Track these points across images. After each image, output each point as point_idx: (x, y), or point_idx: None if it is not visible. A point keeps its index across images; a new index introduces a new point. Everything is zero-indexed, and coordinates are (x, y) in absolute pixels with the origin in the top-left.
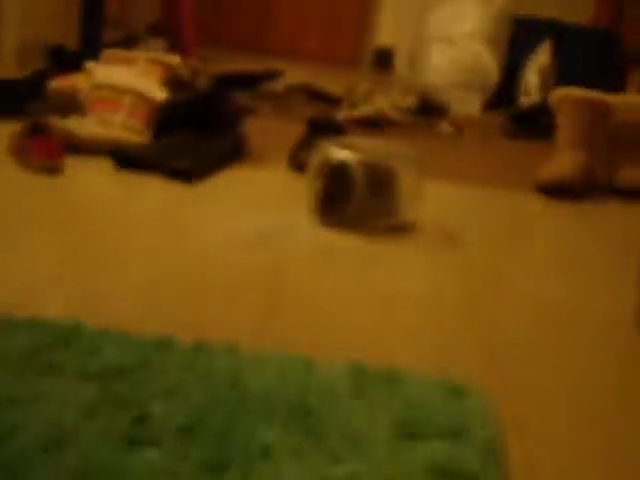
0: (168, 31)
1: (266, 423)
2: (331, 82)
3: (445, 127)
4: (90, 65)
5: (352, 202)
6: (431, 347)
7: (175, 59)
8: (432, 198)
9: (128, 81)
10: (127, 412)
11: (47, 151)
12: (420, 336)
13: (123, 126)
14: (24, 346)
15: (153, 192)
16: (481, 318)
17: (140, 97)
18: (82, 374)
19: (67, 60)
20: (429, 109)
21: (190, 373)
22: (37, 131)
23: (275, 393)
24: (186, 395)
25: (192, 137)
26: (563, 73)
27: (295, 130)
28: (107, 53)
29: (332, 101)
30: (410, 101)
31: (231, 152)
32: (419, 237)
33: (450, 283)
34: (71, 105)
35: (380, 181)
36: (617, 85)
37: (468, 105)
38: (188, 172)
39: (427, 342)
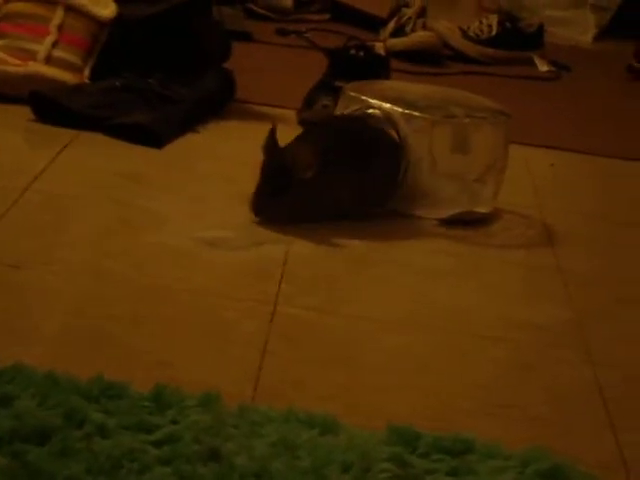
0: None
1: None
2: None
3: (540, 65)
4: None
5: (399, 182)
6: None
7: None
8: (521, 174)
9: None
10: None
11: None
12: (506, 393)
13: (49, 58)
14: None
15: (90, 161)
16: (600, 359)
17: (76, 14)
18: None
19: None
20: (516, 37)
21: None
22: None
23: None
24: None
25: (154, 76)
26: None
27: (313, 66)
28: None
29: (371, 23)
30: (487, 25)
31: (213, 100)
32: (497, 236)
33: (551, 306)
34: None
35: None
36: None
37: (576, 31)
38: (146, 130)
39: (517, 402)
